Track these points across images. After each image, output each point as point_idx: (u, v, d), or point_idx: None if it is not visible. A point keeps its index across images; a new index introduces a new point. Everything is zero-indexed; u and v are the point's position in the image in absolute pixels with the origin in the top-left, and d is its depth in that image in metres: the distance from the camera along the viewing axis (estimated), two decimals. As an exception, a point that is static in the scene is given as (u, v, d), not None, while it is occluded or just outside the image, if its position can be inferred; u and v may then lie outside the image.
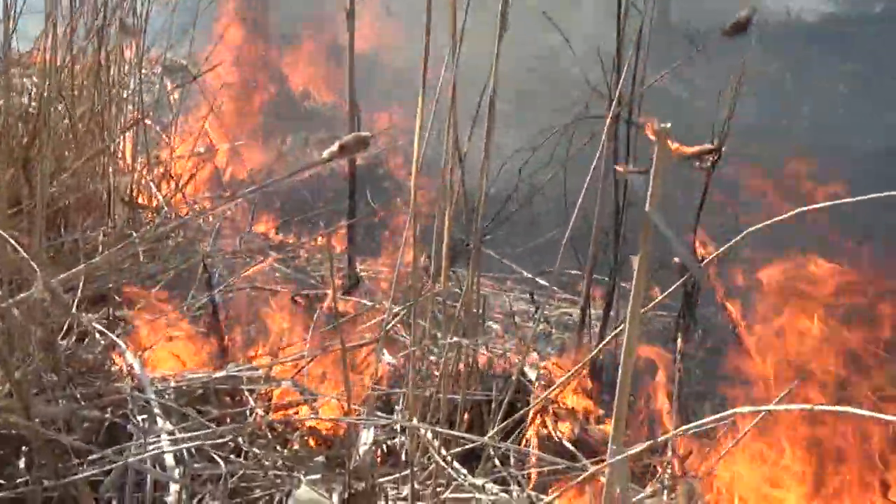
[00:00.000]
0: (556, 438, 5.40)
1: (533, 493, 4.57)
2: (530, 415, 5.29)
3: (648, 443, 3.92)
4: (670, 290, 4.05)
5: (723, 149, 5.64)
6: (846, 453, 5.37)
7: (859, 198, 3.41)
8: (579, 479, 3.87)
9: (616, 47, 5.68)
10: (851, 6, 14.53)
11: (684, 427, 4.16)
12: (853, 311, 6.22)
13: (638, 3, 5.55)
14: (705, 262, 3.82)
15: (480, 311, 5.35)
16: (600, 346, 4.92)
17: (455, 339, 4.68)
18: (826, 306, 6.09)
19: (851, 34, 13.45)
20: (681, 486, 3.51)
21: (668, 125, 3.56)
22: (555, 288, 7.77)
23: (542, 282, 8.07)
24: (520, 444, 5.13)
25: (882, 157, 10.15)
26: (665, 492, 4.35)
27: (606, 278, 6.22)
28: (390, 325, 5.55)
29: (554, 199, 6.69)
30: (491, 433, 4.43)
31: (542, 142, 6.10)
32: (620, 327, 4.23)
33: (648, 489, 4.36)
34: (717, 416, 3.86)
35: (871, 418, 3.57)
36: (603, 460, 3.64)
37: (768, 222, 3.60)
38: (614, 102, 5.28)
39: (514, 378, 4.77)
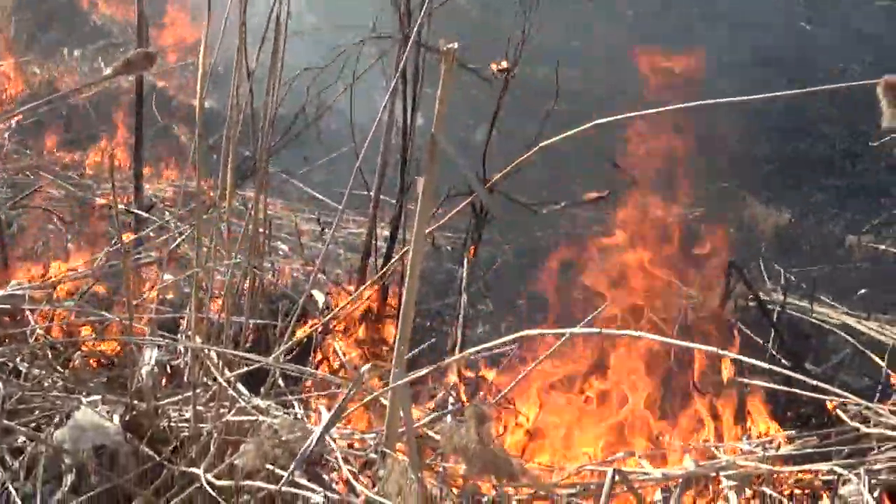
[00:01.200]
0: (342, 360, 5.39)
1: (315, 415, 4.56)
2: (315, 337, 5.26)
3: (432, 366, 3.93)
4: (454, 211, 4.05)
5: (515, 68, 5.65)
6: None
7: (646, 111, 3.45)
8: (362, 401, 3.86)
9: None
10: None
11: (470, 350, 4.19)
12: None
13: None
14: (491, 181, 3.82)
15: (267, 231, 5.28)
16: (383, 269, 4.90)
17: (240, 259, 4.61)
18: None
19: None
20: (469, 410, 3.51)
21: (456, 45, 3.55)
22: (345, 209, 7.74)
23: (332, 202, 8.03)
24: (305, 367, 5.10)
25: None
26: (450, 416, 4.36)
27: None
28: (176, 245, 5.46)
29: (346, 118, 6.68)
30: (274, 354, 4.39)
31: (331, 60, 6.03)
32: (406, 249, 4.22)
33: (428, 416, 4.37)
34: (502, 339, 3.89)
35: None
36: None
37: (558, 137, 3.61)
38: (405, 22, 5.27)
39: (300, 301, 4.72)
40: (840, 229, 8.57)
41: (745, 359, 3.51)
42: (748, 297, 6.79)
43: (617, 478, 2.86)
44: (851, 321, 7.02)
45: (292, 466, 3.61)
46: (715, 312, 6.15)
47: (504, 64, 5.62)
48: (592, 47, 11.26)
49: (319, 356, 5.41)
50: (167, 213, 7.07)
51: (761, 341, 6.38)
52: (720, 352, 3.60)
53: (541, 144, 3.70)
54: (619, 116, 3.73)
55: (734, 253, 6.94)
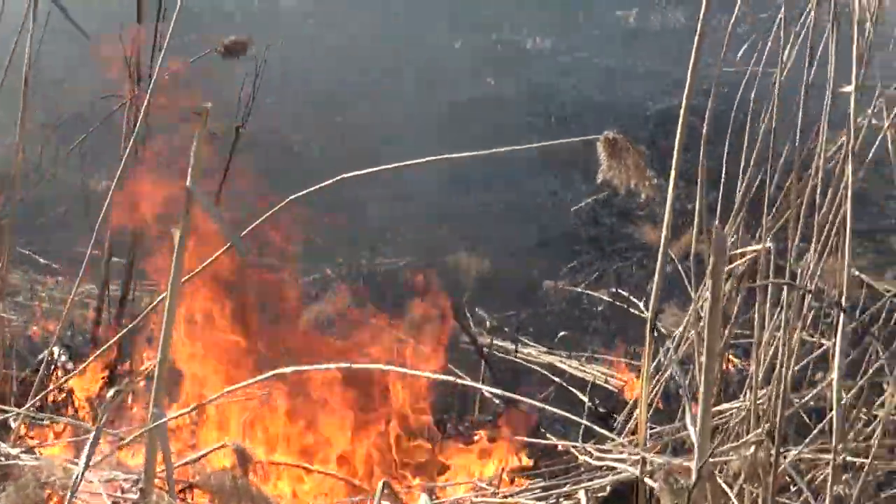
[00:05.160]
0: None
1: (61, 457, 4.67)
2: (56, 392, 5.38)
3: (189, 407, 4.13)
4: (209, 260, 4.26)
5: (244, 128, 5.88)
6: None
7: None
8: (121, 443, 4.01)
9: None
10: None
11: (225, 389, 4.42)
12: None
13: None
14: (245, 230, 4.06)
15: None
16: (126, 329, 5.08)
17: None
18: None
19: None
20: (232, 451, 3.73)
21: (209, 105, 3.79)
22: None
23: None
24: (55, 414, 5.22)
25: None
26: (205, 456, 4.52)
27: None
28: None
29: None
30: (24, 409, 4.50)
31: (58, 124, 6.15)
32: (158, 299, 4.41)
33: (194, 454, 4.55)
34: (255, 378, 4.14)
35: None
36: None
37: (303, 192, 3.89)
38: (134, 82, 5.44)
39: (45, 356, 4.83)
40: (538, 274, 9.05)
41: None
42: (460, 339, 7.17)
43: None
44: (555, 360, 7.48)
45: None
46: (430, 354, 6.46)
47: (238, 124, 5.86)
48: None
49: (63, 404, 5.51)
50: None
51: (475, 383, 6.71)
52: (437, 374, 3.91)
53: (289, 198, 3.98)
54: (359, 172, 4.06)
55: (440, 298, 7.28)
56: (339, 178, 4.15)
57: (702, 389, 3.71)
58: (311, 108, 10.94)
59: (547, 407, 5.19)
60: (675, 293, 5.75)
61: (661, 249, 4.14)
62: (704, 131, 4.38)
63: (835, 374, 3.90)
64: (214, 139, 5.89)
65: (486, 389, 6.47)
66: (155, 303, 4.59)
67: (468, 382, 4.05)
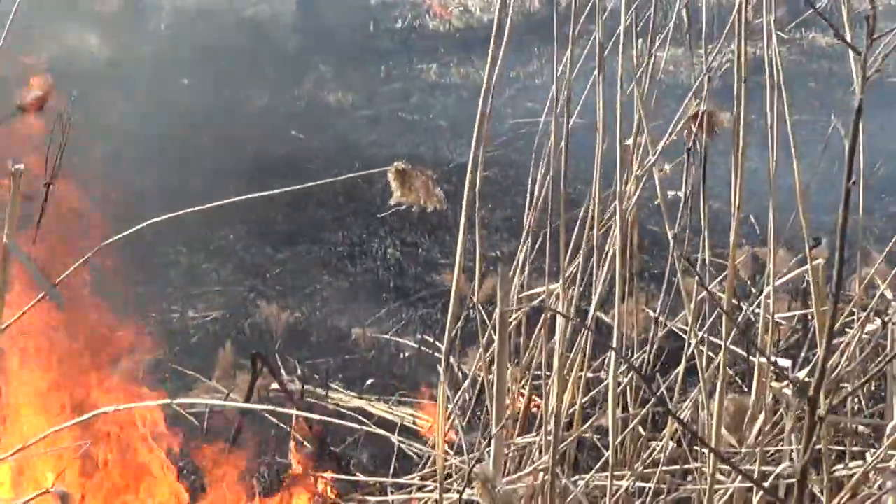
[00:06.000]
0: None
1: None
2: None
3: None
4: (20, 314, 4.44)
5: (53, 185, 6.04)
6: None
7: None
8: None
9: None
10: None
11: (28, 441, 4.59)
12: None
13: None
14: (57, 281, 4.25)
15: None
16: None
17: None
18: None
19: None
20: (55, 495, 3.90)
21: (22, 166, 4.02)
22: None
23: None
24: None
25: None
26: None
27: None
28: None
29: None
30: None
31: None
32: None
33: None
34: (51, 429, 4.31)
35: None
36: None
37: (109, 240, 4.11)
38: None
39: None
40: (346, 323, 9.33)
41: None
42: (269, 387, 7.43)
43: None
44: (365, 404, 7.79)
45: None
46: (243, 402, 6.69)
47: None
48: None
49: None
50: None
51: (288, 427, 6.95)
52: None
53: (98, 247, 4.21)
54: (168, 216, 4.30)
55: (253, 349, 7.50)
56: (143, 223, 4.35)
57: (493, 420, 4.05)
58: (119, 163, 11.04)
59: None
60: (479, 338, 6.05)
61: (452, 293, 4.46)
62: (477, 183, 4.70)
63: (610, 404, 4.26)
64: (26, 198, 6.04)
65: (297, 436, 6.74)
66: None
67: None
